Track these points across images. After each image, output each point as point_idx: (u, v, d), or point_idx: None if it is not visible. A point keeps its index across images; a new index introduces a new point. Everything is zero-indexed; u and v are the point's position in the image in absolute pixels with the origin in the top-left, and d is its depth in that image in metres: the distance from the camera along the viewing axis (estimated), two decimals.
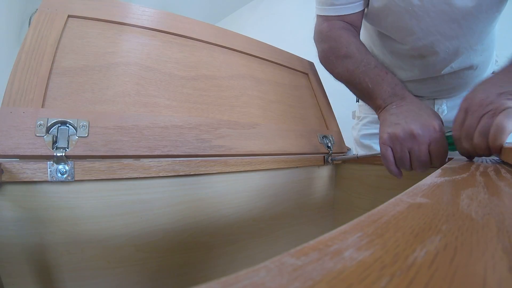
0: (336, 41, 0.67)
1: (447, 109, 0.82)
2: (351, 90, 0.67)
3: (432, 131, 0.48)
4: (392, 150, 0.51)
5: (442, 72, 0.73)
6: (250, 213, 0.58)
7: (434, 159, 0.49)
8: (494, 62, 0.79)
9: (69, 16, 0.48)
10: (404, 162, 0.50)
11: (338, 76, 0.68)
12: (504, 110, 0.40)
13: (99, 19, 0.51)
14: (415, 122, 0.49)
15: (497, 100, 0.42)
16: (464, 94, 0.53)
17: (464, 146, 0.47)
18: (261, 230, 0.60)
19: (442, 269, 0.09)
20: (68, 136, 0.40)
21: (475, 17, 0.62)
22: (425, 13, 0.62)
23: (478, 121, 0.44)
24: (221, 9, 3.76)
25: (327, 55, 0.70)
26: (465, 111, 0.46)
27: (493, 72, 0.47)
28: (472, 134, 0.44)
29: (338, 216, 0.77)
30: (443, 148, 0.48)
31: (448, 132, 0.50)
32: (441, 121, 0.51)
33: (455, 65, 0.71)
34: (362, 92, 0.63)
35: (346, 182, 0.76)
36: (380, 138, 0.53)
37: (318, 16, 0.73)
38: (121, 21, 0.53)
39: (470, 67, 0.73)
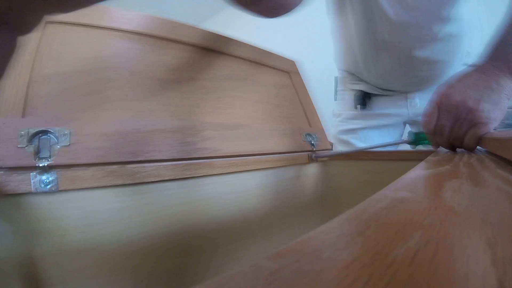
0: None
1: (420, 102, 0.84)
2: None
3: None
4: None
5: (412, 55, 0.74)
6: (239, 214, 0.58)
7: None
8: (465, 54, 0.79)
9: (46, 22, 0.47)
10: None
11: None
12: (480, 123, 0.43)
13: (77, 23, 0.49)
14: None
15: (474, 108, 0.43)
16: (435, 88, 0.52)
17: (436, 141, 0.48)
18: (251, 231, 0.60)
19: (422, 267, 0.09)
20: (50, 145, 0.39)
21: None
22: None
23: (453, 123, 0.45)
24: (205, 11, 3.73)
25: None
26: (437, 106, 0.47)
27: (470, 65, 0.48)
28: (445, 132, 0.46)
29: (327, 212, 0.78)
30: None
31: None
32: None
33: (418, 53, 0.72)
34: None
35: (333, 178, 0.77)
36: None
37: None
38: (100, 25, 0.52)
39: (438, 60, 0.74)
